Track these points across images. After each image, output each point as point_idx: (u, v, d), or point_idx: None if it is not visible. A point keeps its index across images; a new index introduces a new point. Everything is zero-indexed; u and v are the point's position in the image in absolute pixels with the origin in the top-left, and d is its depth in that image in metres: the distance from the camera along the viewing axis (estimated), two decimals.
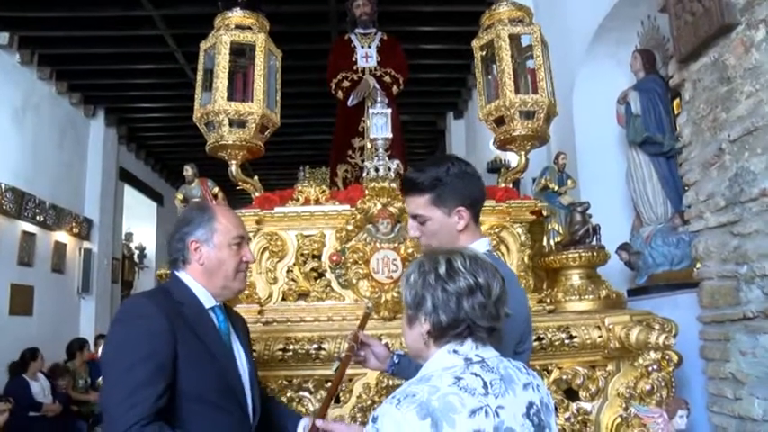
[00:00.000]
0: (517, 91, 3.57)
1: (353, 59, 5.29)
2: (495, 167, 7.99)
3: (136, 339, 1.70)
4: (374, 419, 1.30)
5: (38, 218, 8.45)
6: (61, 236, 9.19)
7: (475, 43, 3.83)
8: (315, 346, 2.87)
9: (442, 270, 1.40)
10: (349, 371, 2.90)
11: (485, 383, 1.32)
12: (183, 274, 1.91)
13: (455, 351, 1.38)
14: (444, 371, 1.34)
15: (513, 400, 1.34)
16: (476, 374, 1.33)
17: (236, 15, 3.56)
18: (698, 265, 3.16)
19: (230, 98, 3.41)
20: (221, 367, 1.83)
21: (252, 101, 3.42)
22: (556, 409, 2.96)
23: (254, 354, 2.85)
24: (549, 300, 3.34)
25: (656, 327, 2.97)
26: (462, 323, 1.37)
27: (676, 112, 4.49)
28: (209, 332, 1.85)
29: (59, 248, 9.14)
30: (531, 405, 1.37)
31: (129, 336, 1.72)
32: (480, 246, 1.80)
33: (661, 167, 4.52)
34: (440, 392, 1.28)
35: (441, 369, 1.35)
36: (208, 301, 1.90)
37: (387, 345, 2.17)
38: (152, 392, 1.63)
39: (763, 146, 2.51)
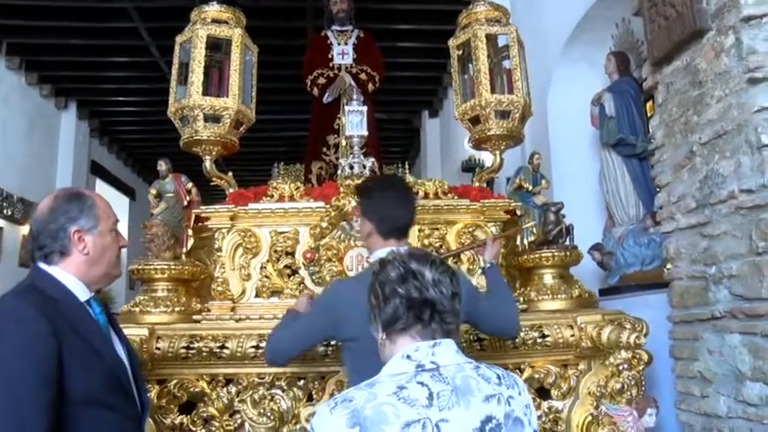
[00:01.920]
0: (493, 90, 3.59)
1: (330, 56, 5.28)
2: (470, 166, 8.04)
3: (15, 350, 1.52)
4: (313, 415, 1.29)
5: (5, 211, 8.30)
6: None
7: (451, 42, 3.84)
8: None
9: (376, 267, 1.47)
10: (322, 369, 2.91)
11: (430, 394, 1.26)
12: (52, 269, 1.75)
13: (408, 357, 1.34)
14: (390, 378, 1.31)
15: (462, 413, 1.27)
16: (422, 384, 1.28)
17: (213, 9, 3.54)
18: (668, 266, 3.20)
19: (205, 93, 3.38)
20: (107, 364, 1.72)
21: (227, 96, 3.40)
22: None
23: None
24: (522, 299, 3.37)
25: (628, 326, 3.01)
26: (401, 306, 1.37)
27: (649, 115, 4.55)
28: (91, 328, 1.73)
29: (26, 243, 8.99)
30: (488, 419, 1.29)
31: (6, 346, 1.53)
32: (382, 254, 2.12)
33: (633, 169, 4.58)
34: (376, 401, 1.24)
35: (388, 375, 1.32)
36: (83, 293, 1.77)
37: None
38: (38, 411, 1.49)
39: (731, 149, 2.55)
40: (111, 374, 1.73)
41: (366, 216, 2.26)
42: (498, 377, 1.38)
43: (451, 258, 3.18)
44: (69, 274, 1.77)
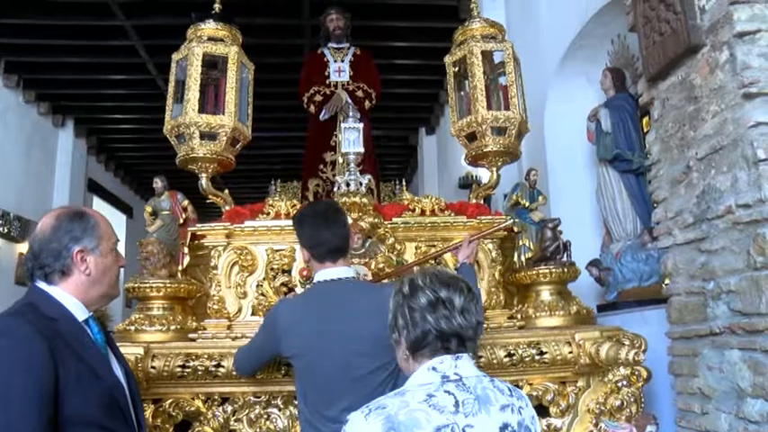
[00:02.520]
0: (489, 107, 3.60)
1: (326, 73, 5.30)
2: (467, 183, 8.05)
3: (11, 369, 1.51)
4: (346, 422, 1.38)
5: (2, 229, 8.29)
6: (26, 248, 8.97)
7: (447, 59, 3.85)
8: (284, 361, 2.83)
9: (406, 289, 1.52)
10: None
11: (456, 402, 1.36)
12: (51, 288, 1.74)
13: (434, 368, 1.43)
14: (419, 387, 1.40)
15: (485, 420, 1.37)
16: (449, 392, 1.38)
17: (209, 27, 3.55)
18: (666, 282, 3.19)
19: (201, 110, 3.38)
20: (105, 385, 1.69)
21: (223, 113, 3.40)
22: None
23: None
24: (519, 315, 3.35)
25: (626, 342, 2.99)
26: (430, 334, 1.45)
27: (645, 130, 4.56)
28: (89, 349, 1.71)
29: (24, 261, 8.95)
30: (505, 426, 1.40)
31: (2, 365, 1.52)
32: (321, 276, 2.30)
33: (630, 184, 4.58)
34: (408, 408, 1.34)
35: (417, 385, 1.41)
36: (81, 313, 1.75)
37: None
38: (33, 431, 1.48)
39: (728, 164, 2.55)
40: (108, 395, 1.71)
41: (301, 243, 2.38)
42: (509, 389, 1.49)
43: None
44: (68, 294, 1.75)
